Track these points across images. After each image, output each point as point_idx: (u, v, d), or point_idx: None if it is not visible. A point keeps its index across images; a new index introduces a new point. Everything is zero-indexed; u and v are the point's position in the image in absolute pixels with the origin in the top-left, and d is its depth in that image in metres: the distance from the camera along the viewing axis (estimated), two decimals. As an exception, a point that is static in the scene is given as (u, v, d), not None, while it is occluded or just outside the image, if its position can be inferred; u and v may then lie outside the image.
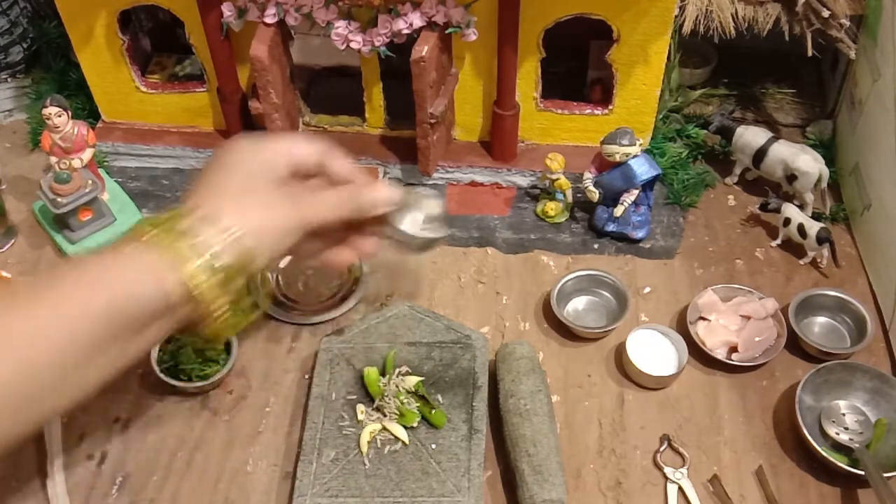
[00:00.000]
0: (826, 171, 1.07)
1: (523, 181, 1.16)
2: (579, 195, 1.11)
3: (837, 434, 0.90)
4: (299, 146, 0.78)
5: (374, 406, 0.91)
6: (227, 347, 0.97)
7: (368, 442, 0.88)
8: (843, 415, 0.92)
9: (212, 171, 0.75)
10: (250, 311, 0.73)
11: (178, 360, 0.95)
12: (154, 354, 0.96)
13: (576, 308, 1.03)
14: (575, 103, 1.13)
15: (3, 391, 0.61)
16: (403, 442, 0.88)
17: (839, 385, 0.93)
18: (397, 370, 0.93)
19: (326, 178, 0.80)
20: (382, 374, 0.93)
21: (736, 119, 1.19)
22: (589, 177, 1.08)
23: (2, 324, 0.62)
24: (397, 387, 0.91)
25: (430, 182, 1.16)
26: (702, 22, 1.06)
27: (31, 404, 0.63)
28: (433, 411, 0.89)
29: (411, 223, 0.81)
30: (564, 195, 1.11)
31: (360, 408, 0.91)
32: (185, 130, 1.20)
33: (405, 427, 0.89)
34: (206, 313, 0.68)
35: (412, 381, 0.92)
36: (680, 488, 0.87)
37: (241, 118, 1.15)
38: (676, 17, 1.04)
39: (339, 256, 0.83)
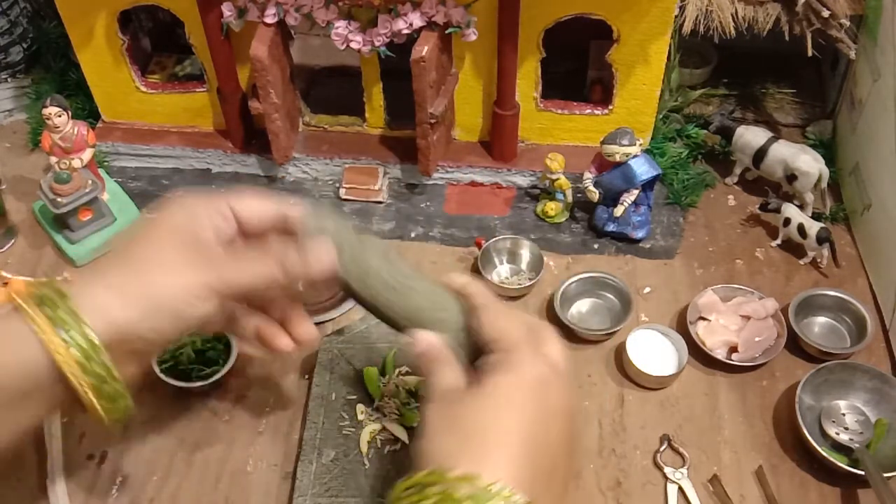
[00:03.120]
0: (826, 171, 1.07)
1: (523, 181, 1.16)
2: (579, 195, 1.11)
3: (837, 434, 0.90)
4: (243, 203, 0.71)
5: (374, 406, 0.91)
6: (227, 347, 0.97)
7: (368, 442, 0.88)
8: (843, 415, 0.92)
9: (122, 238, 0.69)
10: (117, 399, 0.65)
11: (178, 360, 0.95)
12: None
13: (579, 311, 1.03)
14: (575, 103, 1.13)
15: None
16: (404, 442, 0.88)
17: (839, 385, 0.93)
18: (397, 370, 0.93)
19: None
20: (382, 374, 0.93)
21: (736, 119, 1.19)
22: (589, 177, 1.08)
23: None
24: (398, 387, 0.91)
25: (430, 182, 1.16)
26: (702, 22, 1.06)
27: None
28: None
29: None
30: (564, 195, 1.11)
31: (360, 408, 0.91)
32: (185, 130, 1.20)
33: (405, 427, 0.89)
34: (80, 396, 0.63)
35: (412, 380, 0.92)
36: (680, 488, 0.87)
37: (241, 118, 1.15)
38: (676, 17, 1.04)
39: (274, 341, 0.75)
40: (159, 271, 0.65)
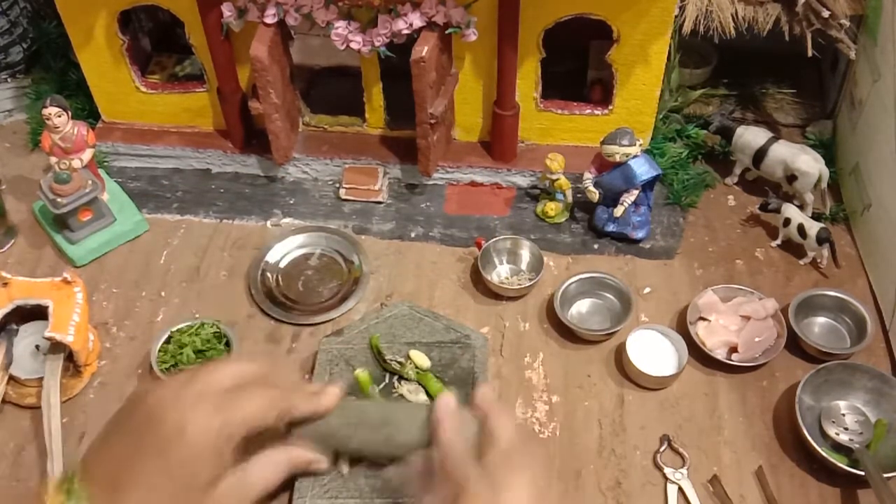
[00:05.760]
0: (826, 171, 1.07)
1: (523, 181, 1.16)
2: (579, 195, 1.11)
3: (837, 434, 0.90)
4: (258, 422, 0.74)
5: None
6: (228, 347, 0.97)
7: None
8: (843, 415, 0.92)
9: (143, 442, 0.71)
10: None
11: (178, 360, 0.95)
12: (154, 354, 0.96)
13: (579, 311, 1.03)
14: (575, 103, 1.13)
15: None
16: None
17: (839, 385, 0.93)
18: (397, 359, 0.94)
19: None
20: (379, 359, 0.94)
21: (736, 119, 1.19)
22: (589, 177, 1.08)
23: None
24: (413, 365, 0.93)
25: (430, 182, 1.16)
26: (702, 22, 1.06)
27: None
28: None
29: None
30: (564, 195, 1.11)
31: (360, 408, 0.91)
32: (185, 130, 1.20)
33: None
34: None
35: (420, 358, 0.93)
36: (680, 488, 0.87)
37: (241, 118, 1.15)
38: (676, 17, 1.04)
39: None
40: None
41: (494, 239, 1.07)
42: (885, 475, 0.83)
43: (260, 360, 0.85)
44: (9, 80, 1.27)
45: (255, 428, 0.75)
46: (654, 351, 0.97)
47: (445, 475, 0.71)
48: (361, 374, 0.92)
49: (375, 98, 1.14)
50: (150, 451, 0.71)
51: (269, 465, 0.77)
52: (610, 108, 1.11)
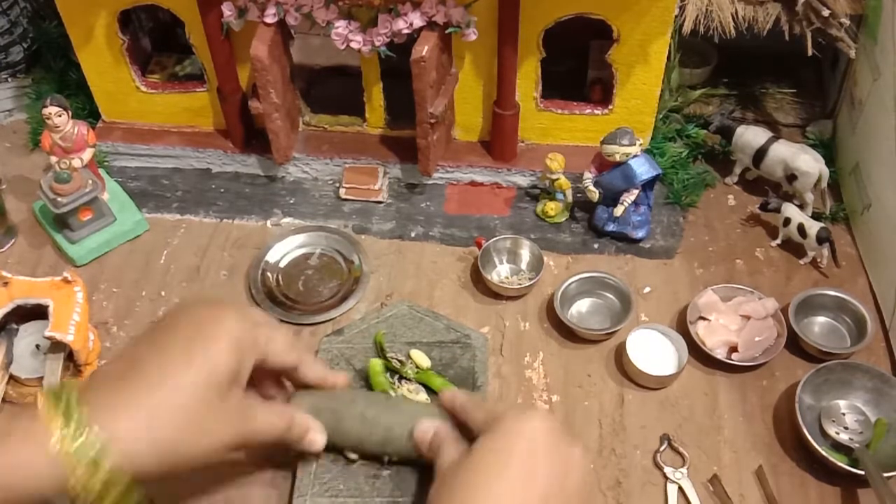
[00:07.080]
0: (826, 171, 1.07)
1: (523, 181, 1.16)
2: (579, 195, 1.11)
3: (837, 434, 0.90)
4: (278, 351, 0.78)
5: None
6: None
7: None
8: (843, 415, 0.92)
9: (159, 338, 0.71)
10: None
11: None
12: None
13: (579, 310, 1.03)
14: (575, 103, 1.13)
15: None
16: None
17: (839, 385, 0.93)
18: (398, 357, 0.94)
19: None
20: (382, 356, 0.94)
21: (736, 119, 1.19)
22: (589, 177, 1.08)
23: None
24: (413, 364, 0.92)
25: (430, 182, 1.16)
26: (702, 22, 1.06)
27: None
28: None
29: None
30: (564, 195, 1.11)
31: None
32: (185, 130, 1.20)
33: None
34: None
35: (420, 357, 0.93)
36: (680, 488, 0.87)
37: (241, 118, 1.15)
38: (676, 17, 1.04)
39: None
40: (189, 429, 0.69)
41: (494, 238, 1.07)
42: (885, 475, 0.84)
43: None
44: (9, 79, 1.27)
45: (274, 357, 0.77)
46: (654, 350, 0.97)
47: (468, 423, 0.75)
48: (375, 362, 0.92)
49: (375, 98, 1.14)
50: (173, 342, 0.70)
51: (275, 413, 0.79)
52: (610, 107, 1.11)
